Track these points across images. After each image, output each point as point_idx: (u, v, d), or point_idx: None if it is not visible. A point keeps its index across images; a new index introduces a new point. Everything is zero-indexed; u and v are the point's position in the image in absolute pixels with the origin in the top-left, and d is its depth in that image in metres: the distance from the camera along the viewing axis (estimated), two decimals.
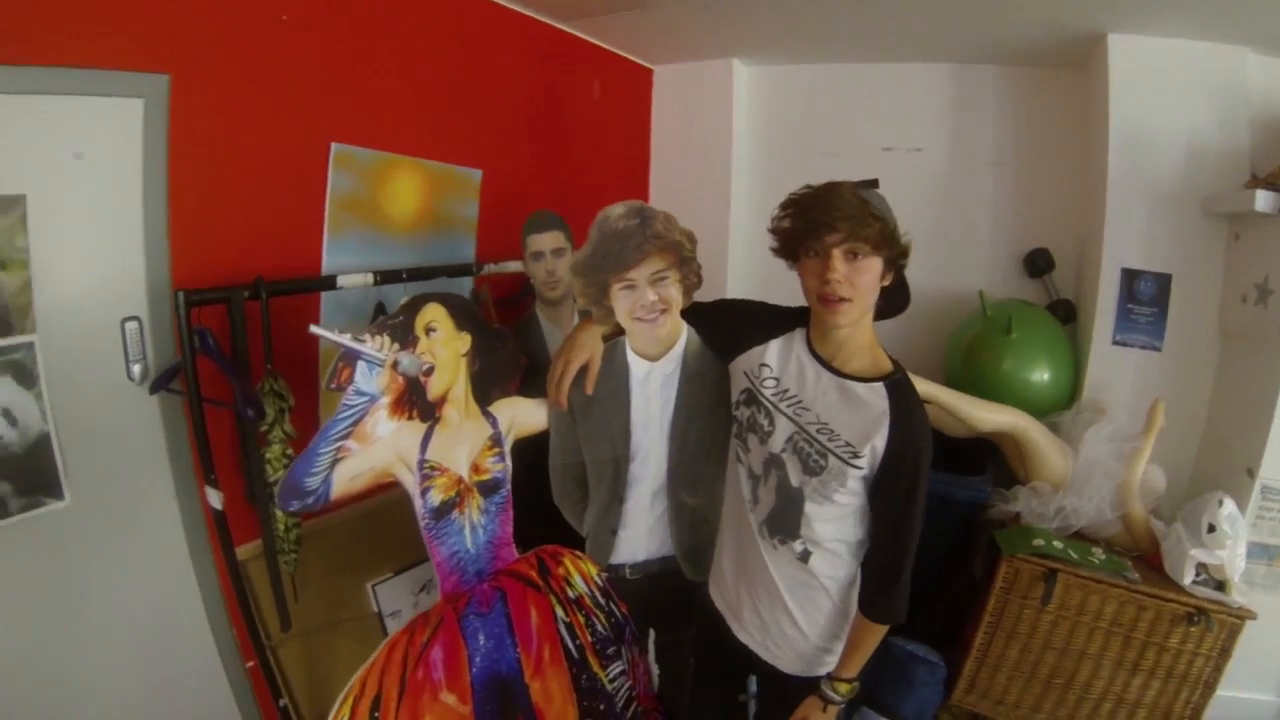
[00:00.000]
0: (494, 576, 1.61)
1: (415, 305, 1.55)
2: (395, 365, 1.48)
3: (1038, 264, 2.74)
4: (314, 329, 1.43)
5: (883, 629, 1.34)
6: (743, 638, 1.48)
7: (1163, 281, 2.34)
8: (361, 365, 1.46)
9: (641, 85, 3.32)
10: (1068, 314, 2.64)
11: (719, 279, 3.13)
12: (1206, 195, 2.27)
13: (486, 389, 1.66)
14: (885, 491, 1.28)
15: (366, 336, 1.46)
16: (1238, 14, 2.08)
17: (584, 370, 1.59)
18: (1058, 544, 2.07)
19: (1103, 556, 2.05)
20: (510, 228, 2.13)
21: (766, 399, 1.37)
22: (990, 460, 2.49)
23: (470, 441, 1.61)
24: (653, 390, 1.60)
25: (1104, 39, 2.33)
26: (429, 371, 1.54)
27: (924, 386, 2.20)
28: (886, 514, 1.29)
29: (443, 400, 1.57)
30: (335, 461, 1.43)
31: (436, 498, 1.54)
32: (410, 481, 1.53)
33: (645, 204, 1.51)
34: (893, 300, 1.33)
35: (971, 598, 2.33)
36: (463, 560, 1.59)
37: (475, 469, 1.60)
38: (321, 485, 1.42)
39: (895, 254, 1.26)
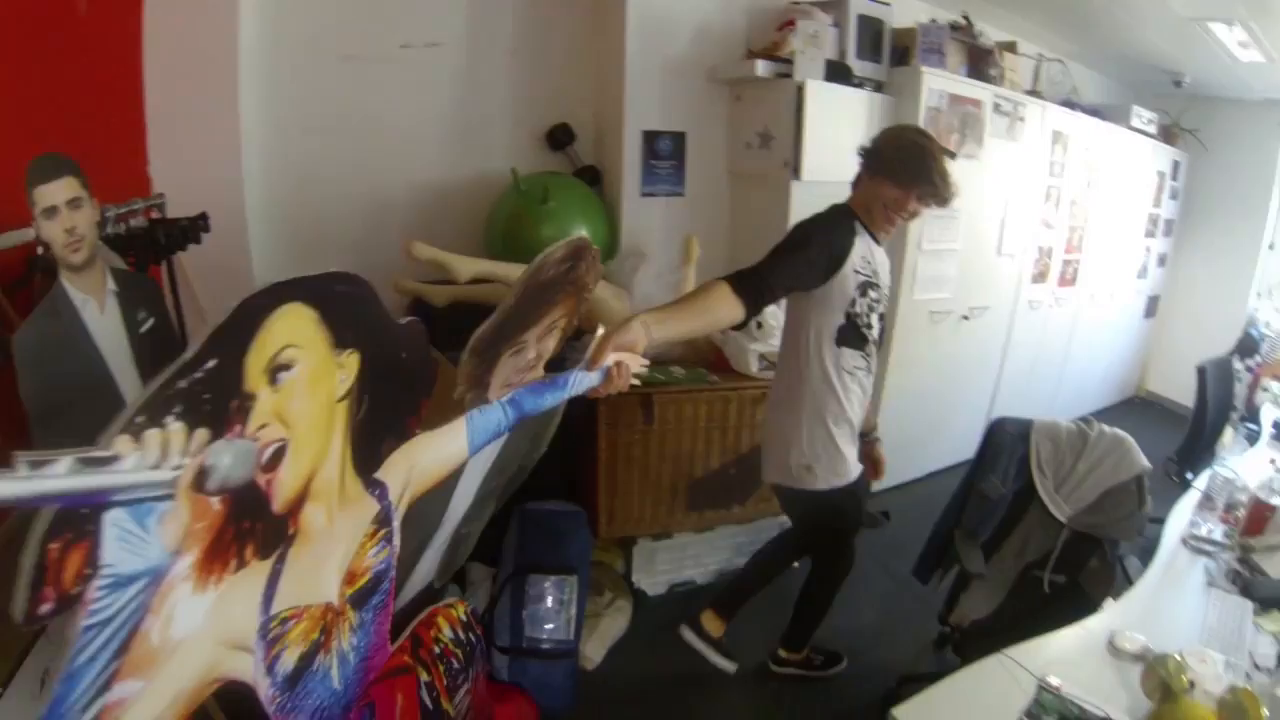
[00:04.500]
0: (363, 696, 1.17)
1: (247, 322, 0.75)
2: (201, 481, 0.73)
3: (559, 138, 2.95)
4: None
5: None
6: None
7: (678, 139, 2.78)
8: (115, 524, 0.67)
9: None
10: (594, 178, 2.94)
11: (235, 225, 2.43)
12: (711, 65, 2.77)
13: (377, 442, 0.99)
14: None
15: (116, 444, 0.65)
16: None
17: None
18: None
19: (682, 372, 2.39)
20: (6, 194, 1.56)
21: (870, 278, 1.76)
22: None
23: (345, 543, 0.99)
24: None
25: None
26: (274, 460, 0.82)
27: (481, 266, 2.28)
28: None
29: (301, 500, 0.88)
30: None
31: (291, 658, 0.94)
32: (246, 666, 0.88)
33: (584, 239, 1.17)
34: None
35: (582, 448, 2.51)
36: (327, 709, 1.06)
37: (350, 577, 1.02)
38: None
39: None
